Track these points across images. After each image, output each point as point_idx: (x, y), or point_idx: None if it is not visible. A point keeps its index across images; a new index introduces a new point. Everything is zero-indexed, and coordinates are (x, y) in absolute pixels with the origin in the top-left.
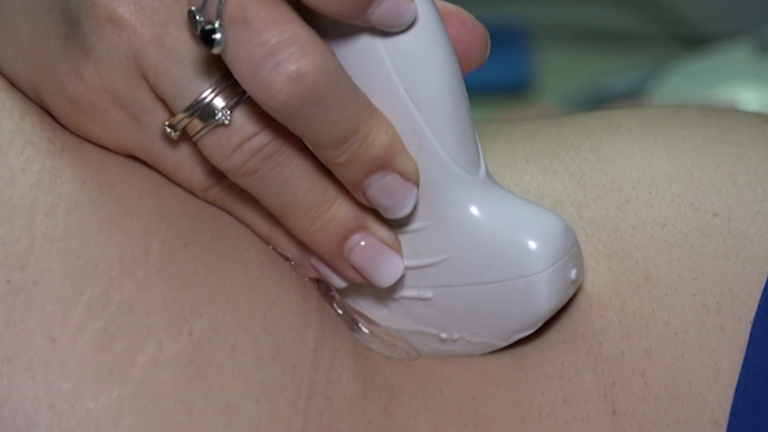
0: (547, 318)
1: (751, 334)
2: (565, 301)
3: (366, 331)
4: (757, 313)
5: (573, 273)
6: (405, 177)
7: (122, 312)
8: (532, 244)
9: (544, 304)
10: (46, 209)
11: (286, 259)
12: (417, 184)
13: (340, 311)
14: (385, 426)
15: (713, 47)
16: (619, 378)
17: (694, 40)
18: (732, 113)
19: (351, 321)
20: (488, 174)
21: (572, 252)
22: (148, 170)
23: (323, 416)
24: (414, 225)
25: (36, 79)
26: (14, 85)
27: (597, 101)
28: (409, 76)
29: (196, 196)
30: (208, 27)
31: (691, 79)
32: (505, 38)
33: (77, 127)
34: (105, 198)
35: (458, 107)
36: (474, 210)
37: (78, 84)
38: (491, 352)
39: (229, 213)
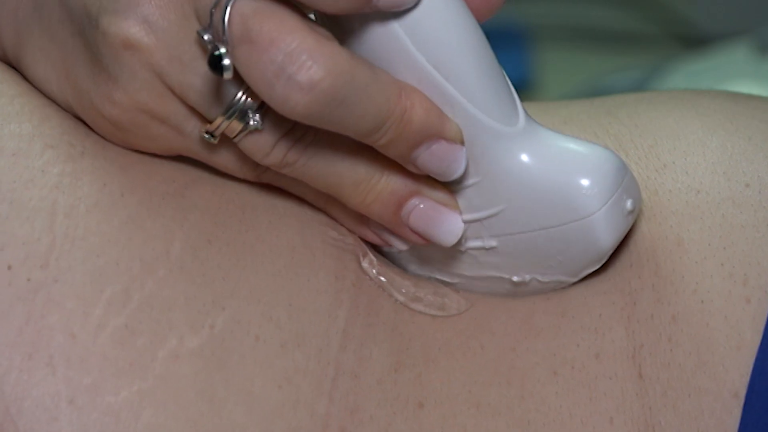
0: (611, 252)
1: None
2: (626, 231)
3: (410, 293)
4: None
5: (629, 204)
6: (451, 140)
7: (143, 309)
8: (583, 185)
9: (605, 241)
10: (66, 210)
11: (348, 228)
12: (463, 143)
13: (382, 278)
14: (416, 395)
15: (713, 47)
16: (648, 341)
17: (694, 40)
18: (757, 96)
19: (395, 286)
20: (529, 120)
21: (625, 184)
22: (172, 173)
23: (349, 396)
24: (465, 182)
25: (72, 101)
26: (52, 101)
27: None
28: (429, 47)
29: (251, 182)
30: (216, 53)
31: (691, 79)
32: (506, 38)
33: (123, 142)
34: (126, 200)
35: (483, 64)
36: (520, 160)
37: (113, 109)
38: (540, 300)
39: (286, 190)
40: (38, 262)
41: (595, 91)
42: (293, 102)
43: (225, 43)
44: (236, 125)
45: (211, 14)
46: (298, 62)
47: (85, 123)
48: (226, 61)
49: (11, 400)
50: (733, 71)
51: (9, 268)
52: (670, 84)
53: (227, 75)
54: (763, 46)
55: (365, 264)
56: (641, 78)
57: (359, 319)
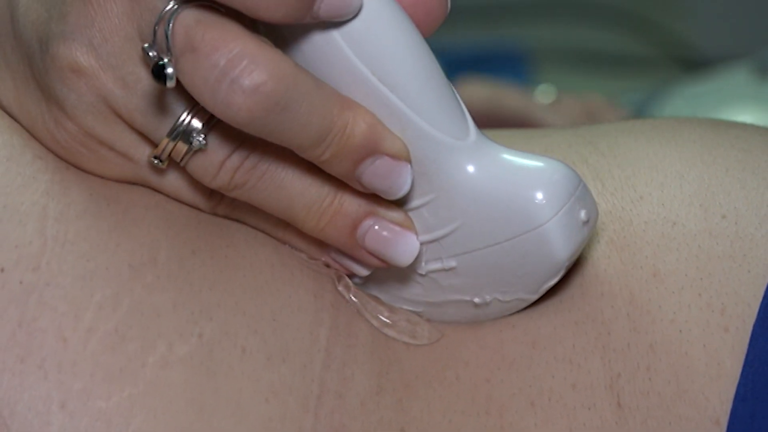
0: (569, 264)
1: (751, 341)
2: (584, 243)
3: (385, 319)
4: (756, 320)
5: (582, 214)
6: (395, 157)
7: (133, 314)
8: (535, 195)
9: (560, 251)
10: (56, 215)
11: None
12: (409, 160)
13: (357, 301)
14: (398, 420)
15: (713, 70)
16: (625, 370)
17: (694, 63)
18: (739, 124)
19: (369, 310)
20: (480, 135)
21: (577, 194)
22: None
23: (334, 415)
24: (419, 200)
25: (26, 124)
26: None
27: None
28: (371, 59)
29: (206, 213)
30: (159, 63)
31: (691, 102)
32: (507, 62)
33: (77, 164)
34: (112, 208)
35: (429, 75)
36: (472, 174)
37: (62, 132)
38: (507, 329)
39: (242, 223)
40: (30, 265)
41: None
42: (236, 107)
43: (169, 55)
44: (182, 147)
45: (155, 30)
46: (240, 66)
47: None
48: (169, 70)
49: (4, 403)
50: (734, 94)
51: (2, 270)
52: (670, 107)
53: (170, 84)
54: (763, 69)
55: (341, 287)
56: (642, 101)
57: (340, 339)
